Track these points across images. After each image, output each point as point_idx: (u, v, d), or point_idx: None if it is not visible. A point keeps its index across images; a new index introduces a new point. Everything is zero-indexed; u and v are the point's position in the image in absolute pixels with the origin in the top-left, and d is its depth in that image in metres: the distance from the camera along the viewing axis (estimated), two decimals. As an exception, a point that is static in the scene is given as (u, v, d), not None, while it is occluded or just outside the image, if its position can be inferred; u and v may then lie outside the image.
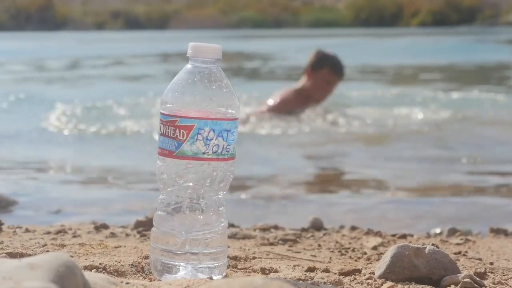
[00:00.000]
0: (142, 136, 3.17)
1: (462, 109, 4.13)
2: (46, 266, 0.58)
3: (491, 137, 3.22)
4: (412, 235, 1.15)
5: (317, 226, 1.19)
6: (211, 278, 0.69)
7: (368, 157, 2.78)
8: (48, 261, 0.57)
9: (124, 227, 1.12)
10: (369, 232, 1.13)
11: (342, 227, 1.24)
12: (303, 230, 1.14)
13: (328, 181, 2.30)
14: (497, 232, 1.21)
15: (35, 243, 0.86)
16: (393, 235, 1.15)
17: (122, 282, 0.67)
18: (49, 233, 1.03)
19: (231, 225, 1.19)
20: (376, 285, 0.68)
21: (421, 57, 9.78)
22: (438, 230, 1.25)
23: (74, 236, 0.97)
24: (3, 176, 2.24)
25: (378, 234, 1.12)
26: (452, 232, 1.20)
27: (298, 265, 0.79)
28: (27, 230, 1.01)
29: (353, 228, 1.19)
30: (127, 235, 1.02)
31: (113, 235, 1.01)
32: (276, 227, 1.19)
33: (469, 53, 10.51)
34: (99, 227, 1.08)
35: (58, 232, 1.01)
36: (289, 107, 3.35)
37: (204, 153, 0.68)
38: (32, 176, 2.26)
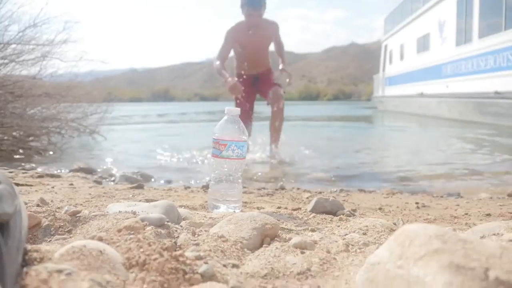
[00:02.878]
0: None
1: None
2: (161, 205, 1.20)
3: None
4: (323, 192, 2.04)
5: (282, 187, 2.09)
6: (234, 212, 1.52)
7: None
8: (162, 203, 1.21)
9: (197, 187, 1.99)
10: (304, 190, 2.01)
11: (293, 188, 2.13)
12: (276, 189, 2.01)
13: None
14: (361, 190, 2.14)
15: (158, 195, 1.71)
16: (316, 192, 2.03)
17: (195, 212, 1.49)
18: (164, 190, 1.90)
19: (243, 187, 2.05)
20: (307, 215, 1.51)
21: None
22: (335, 189, 2.18)
23: (176, 191, 1.82)
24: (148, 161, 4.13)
25: (307, 191, 2.00)
26: (341, 191, 2.11)
27: (273, 205, 1.62)
28: (154, 189, 1.87)
29: (298, 189, 2.08)
30: (198, 191, 1.87)
31: (192, 191, 1.86)
32: (264, 188, 2.06)
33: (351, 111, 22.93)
34: (187, 187, 1.95)
35: (168, 189, 1.86)
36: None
37: (231, 156, 1.50)
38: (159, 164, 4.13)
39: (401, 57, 21.46)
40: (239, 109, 1.50)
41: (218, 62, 4.16)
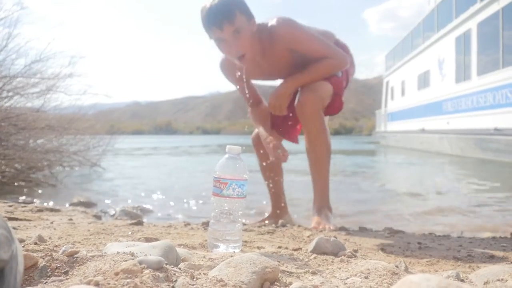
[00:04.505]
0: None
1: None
2: (160, 246, 1.09)
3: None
4: (324, 230, 2.02)
5: (283, 224, 2.06)
6: (234, 252, 1.50)
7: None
8: (161, 244, 1.10)
9: (197, 224, 1.97)
10: (305, 229, 1.99)
11: (294, 225, 2.10)
12: (277, 226, 1.98)
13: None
14: (363, 228, 2.11)
15: (158, 232, 1.69)
16: (317, 231, 2.00)
17: (194, 252, 1.47)
18: (163, 227, 1.87)
19: (243, 224, 2.03)
20: (308, 255, 1.48)
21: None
22: (339, 226, 2.17)
23: (175, 228, 1.80)
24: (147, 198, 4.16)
25: (308, 229, 1.96)
26: (341, 228, 2.08)
27: (274, 245, 1.60)
28: (154, 225, 1.85)
29: (299, 226, 2.05)
30: (198, 228, 1.85)
31: (192, 228, 1.84)
32: (264, 225, 2.04)
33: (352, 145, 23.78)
34: (186, 224, 1.92)
35: (168, 226, 1.84)
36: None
37: (232, 195, 1.50)
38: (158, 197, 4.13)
39: (403, 93, 21.70)
40: (239, 147, 1.50)
41: (249, 109, 2.75)
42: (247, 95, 2.69)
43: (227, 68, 2.63)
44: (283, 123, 2.72)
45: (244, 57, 2.28)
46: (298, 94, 2.42)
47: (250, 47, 2.28)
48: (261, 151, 2.76)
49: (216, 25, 2.14)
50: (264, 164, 2.72)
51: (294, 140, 2.82)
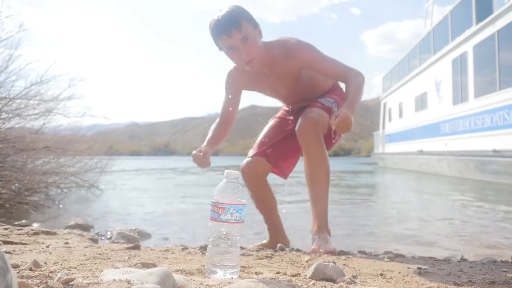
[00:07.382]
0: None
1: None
2: (157, 273, 1.08)
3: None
4: (323, 255, 2.00)
5: (282, 248, 2.03)
6: (232, 278, 1.47)
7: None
8: (158, 271, 1.10)
9: (194, 248, 1.94)
10: (304, 253, 1.96)
11: (292, 249, 2.07)
12: (275, 251, 1.96)
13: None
14: (362, 252, 2.10)
15: (155, 257, 1.67)
16: (315, 255, 1.98)
17: (191, 279, 1.45)
18: (161, 251, 1.85)
19: (241, 248, 2.01)
20: (306, 282, 1.46)
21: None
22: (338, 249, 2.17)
23: (172, 253, 1.78)
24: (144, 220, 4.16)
25: (307, 253, 1.94)
26: (341, 253, 2.08)
27: (272, 270, 1.58)
28: (151, 249, 1.83)
29: (297, 251, 2.02)
30: (195, 253, 1.83)
31: (189, 253, 1.82)
32: (262, 249, 2.02)
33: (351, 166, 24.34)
34: (184, 248, 1.90)
35: (165, 251, 1.82)
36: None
37: (230, 220, 1.48)
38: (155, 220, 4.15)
39: (400, 115, 21.81)
40: (238, 172, 1.50)
41: (216, 121, 2.74)
42: (224, 110, 2.71)
43: (234, 76, 2.67)
44: (280, 152, 2.73)
45: (253, 61, 2.40)
46: (299, 120, 2.47)
47: (258, 52, 2.40)
48: (251, 182, 2.73)
49: (225, 32, 2.29)
50: (256, 194, 2.70)
51: (283, 173, 2.79)
